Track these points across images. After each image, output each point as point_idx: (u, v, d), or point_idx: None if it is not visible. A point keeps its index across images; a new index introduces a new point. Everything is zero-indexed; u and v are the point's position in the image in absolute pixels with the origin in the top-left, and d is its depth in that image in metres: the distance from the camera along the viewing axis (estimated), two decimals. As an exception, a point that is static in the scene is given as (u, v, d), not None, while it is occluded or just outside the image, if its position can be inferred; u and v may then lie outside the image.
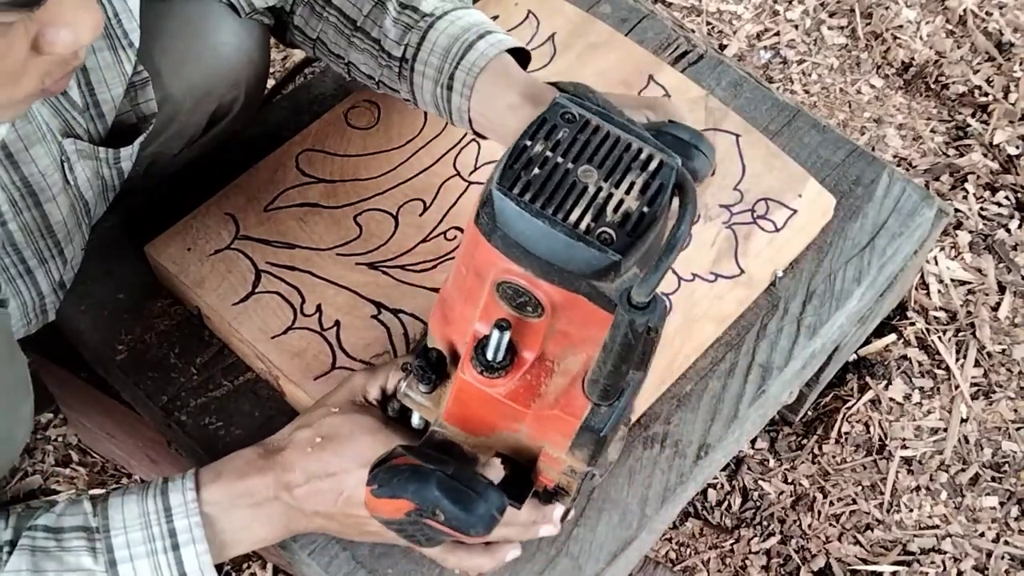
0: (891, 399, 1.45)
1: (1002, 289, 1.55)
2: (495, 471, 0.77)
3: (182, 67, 0.99)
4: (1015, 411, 1.45)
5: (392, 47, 0.95)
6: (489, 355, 0.67)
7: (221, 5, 1.00)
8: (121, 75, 0.89)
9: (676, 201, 0.63)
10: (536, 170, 0.62)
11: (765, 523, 1.37)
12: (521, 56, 0.96)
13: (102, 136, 0.92)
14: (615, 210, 0.61)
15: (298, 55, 1.66)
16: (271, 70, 1.16)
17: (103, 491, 0.84)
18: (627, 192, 0.62)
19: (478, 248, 0.64)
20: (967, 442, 1.42)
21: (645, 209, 0.61)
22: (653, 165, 0.63)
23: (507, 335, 0.66)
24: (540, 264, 0.62)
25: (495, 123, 0.92)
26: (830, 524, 1.37)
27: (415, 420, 0.83)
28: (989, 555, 1.34)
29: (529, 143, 0.63)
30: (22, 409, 0.86)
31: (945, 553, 1.34)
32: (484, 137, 0.97)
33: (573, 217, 0.61)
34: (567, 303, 0.64)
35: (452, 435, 0.75)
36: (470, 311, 0.69)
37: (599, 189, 0.62)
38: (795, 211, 1.10)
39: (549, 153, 0.62)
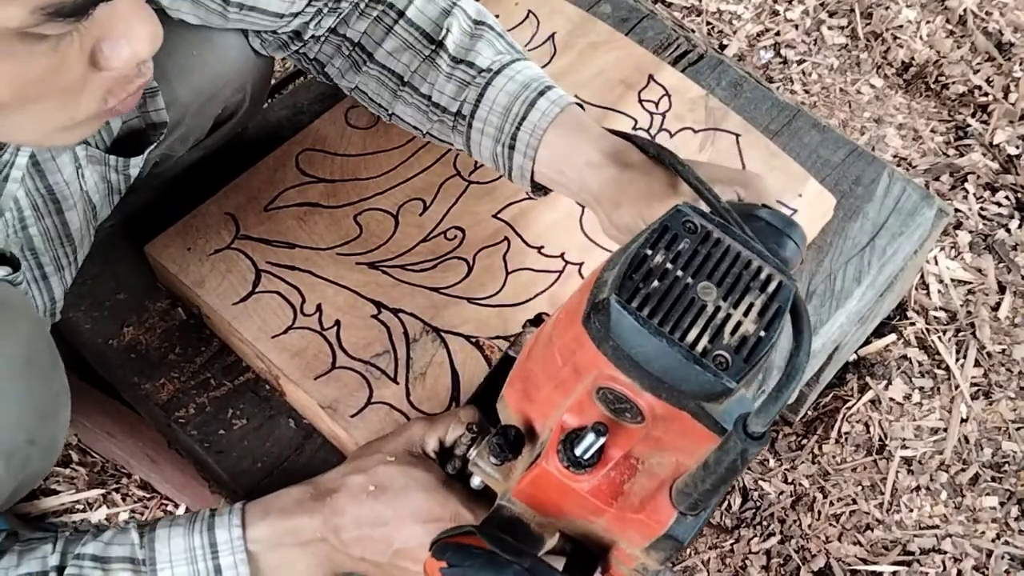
0: (891, 399, 1.45)
1: (1002, 289, 1.55)
2: (557, 564, 0.75)
3: (189, 71, 0.99)
4: (1015, 411, 1.45)
5: (448, 103, 0.94)
6: (578, 452, 0.66)
7: None
8: None
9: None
10: (656, 283, 0.60)
11: (765, 523, 1.37)
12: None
13: (107, 143, 0.92)
14: (732, 332, 0.60)
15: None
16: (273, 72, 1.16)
17: (150, 520, 0.84)
18: (745, 314, 0.60)
19: (583, 349, 0.62)
20: (967, 442, 1.42)
21: (762, 334, 0.60)
22: (772, 287, 0.61)
23: (602, 440, 0.64)
24: (650, 379, 0.60)
25: (571, 180, 0.90)
26: (830, 524, 1.36)
27: (475, 482, 0.81)
28: (989, 555, 1.34)
29: (650, 252, 0.61)
30: (63, 414, 0.87)
31: (945, 553, 1.34)
32: (541, 192, 0.95)
33: (690, 337, 0.59)
34: (669, 416, 0.62)
35: (520, 512, 0.74)
36: (559, 399, 0.68)
37: (717, 308, 0.60)
38: (795, 211, 1.10)
39: (669, 265, 0.61)
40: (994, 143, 1.69)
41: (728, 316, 0.60)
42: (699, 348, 0.59)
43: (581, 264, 1.07)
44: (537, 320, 0.87)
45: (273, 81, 1.46)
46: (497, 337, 1.01)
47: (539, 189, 0.95)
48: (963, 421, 1.44)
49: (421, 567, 0.76)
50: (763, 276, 0.62)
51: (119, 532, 0.82)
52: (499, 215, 1.10)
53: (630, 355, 0.60)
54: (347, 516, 0.81)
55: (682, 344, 0.59)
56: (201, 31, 0.98)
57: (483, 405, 0.86)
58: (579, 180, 0.90)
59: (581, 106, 0.93)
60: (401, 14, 0.95)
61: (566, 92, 0.93)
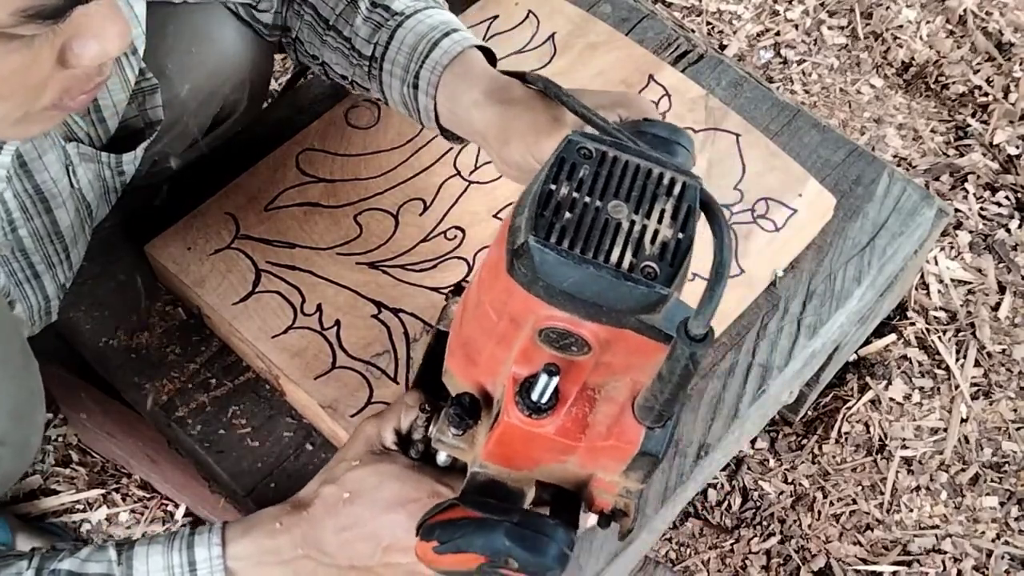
0: (891, 399, 1.45)
1: (1002, 289, 1.55)
2: (541, 511, 0.75)
3: (188, 69, 0.99)
4: (1015, 411, 1.45)
5: (363, 46, 0.95)
6: (535, 397, 0.66)
7: (224, 7, 1.00)
8: (123, 81, 0.89)
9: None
10: (567, 214, 0.61)
11: (765, 523, 1.37)
12: (488, 56, 0.95)
13: (103, 141, 0.92)
14: (652, 241, 0.61)
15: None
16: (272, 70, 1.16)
17: (126, 539, 0.83)
18: (659, 221, 0.61)
19: (514, 297, 0.63)
20: (967, 442, 1.42)
21: (680, 236, 0.61)
22: (677, 189, 0.62)
23: (556, 379, 0.65)
24: (587, 307, 0.61)
25: (461, 120, 0.91)
26: (830, 524, 1.37)
27: (441, 458, 0.82)
28: (989, 555, 1.34)
29: (553, 187, 0.62)
30: (36, 415, 0.86)
31: (945, 553, 1.34)
32: (454, 138, 0.95)
33: (614, 257, 0.60)
34: (614, 338, 0.63)
35: (495, 473, 0.74)
36: (502, 354, 0.68)
37: (632, 223, 0.61)
38: (795, 211, 1.10)
39: (576, 194, 0.61)
40: (994, 143, 1.69)
41: (644, 227, 0.61)
42: (625, 264, 0.60)
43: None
44: (459, 289, 0.87)
45: (273, 82, 1.46)
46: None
47: (451, 136, 0.95)
48: (963, 421, 1.44)
49: (412, 556, 0.76)
50: (666, 181, 0.63)
51: (96, 549, 0.81)
52: (499, 215, 1.10)
53: (562, 289, 0.60)
54: (326, 528, 0.81)
55: (608, 265, 0.60)
56: (200, 29, 0.98)
57: (426, 386, 0.85)
58: (467, 120, 0.90)
59: (487, 50, 0.94)
60: None
61: (472, 35, 0.93)
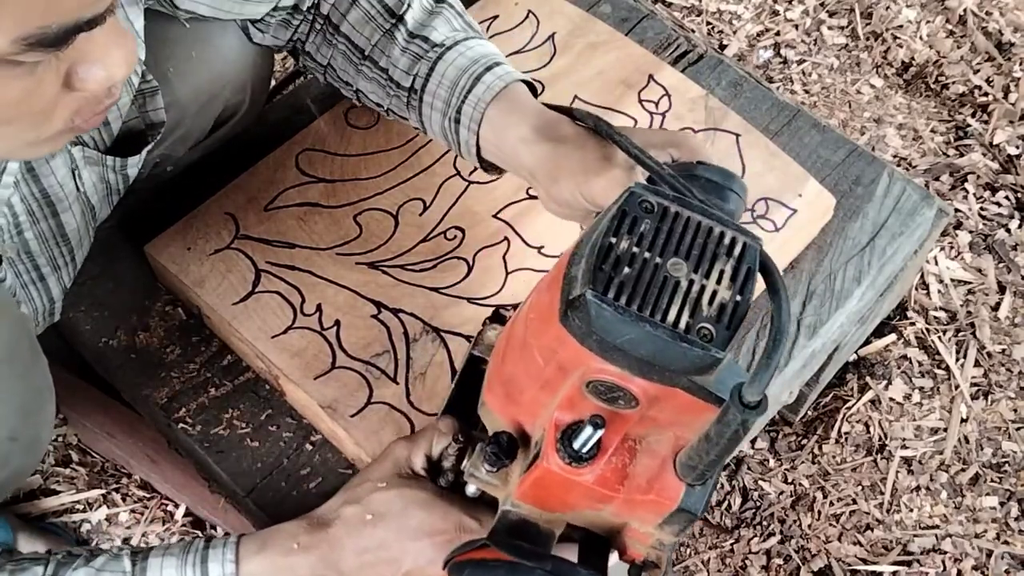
0: (891, 399, 1.45)
1: (1002, 289, 1.55)
2: (571, 552, 0.75)
3: (189, 72, 0.99)
4: (1015, 411, 1.45)
5: (401, 77, 0.94)
6: (577, 446, 0.66)
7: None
8: (127, 85, 0.89)
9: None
10: (626, 269, 0.60)
11: (765, 523, 1.37)
12: (530, 88, 0.94)
13: (107, 144, 0.92)
14: (710, 303, 0.60)
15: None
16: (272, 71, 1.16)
17: (143, 547, 0.83)
18: (718, 282, 0.60)
19: (565, 347, 0.62)
20: (967, 442, 1.42)
21: (738, 298, 0.60)
22: (738, 249, 0.62)
23: (600, 431, 0.65)
24: (639, 365, 0.60)
25: (508, 156, 0.90)
26: (830, 524, 1.36)
27: (470, 489, 0.81)
28: (989, 555, 1.34)
29: (614, 240, 0.61)
30: (46, 411, 0.86)
31: (945, 553, 1.34)
32: (492, 169, 0.95)
33: (671, 316, 0.59)
34: (663, 395, 0.63)
35: (527, 513, 0.73)
36: (546, 398, 0.67)
37: (691, 282, 0.60)
38: (795, 211, 1.10)
39: (636, 249, 0.61)
40: (994, 143, 1.69)
41: (703, 288, 0.60)
42: (682, 325, 0.59)
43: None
44: (497, 316, 0.86)
45: (273, 81, 1.46)
46: (497, 337, 1.01)
47: (491, 168, 0.94)
48: (963, 421, 1.44)
49: None
50: (727, 241, 0.62)
51: (111, 559, 0.81)
52: (499, 215, 1.10)
53: (616, 345, 0.60)
54: (346, 548, 0.80)
55: (665, 324, 0.59)
56: (201, 33, 0.98)
57: (458, 410, 0.85)
58: (515, 156, 0.89)
59: (530, 83, 0.93)
60: None
61: (514, 68, 0.92)
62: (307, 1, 0.97)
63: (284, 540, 0.82)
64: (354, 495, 0.83)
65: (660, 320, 0.59)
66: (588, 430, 0.65)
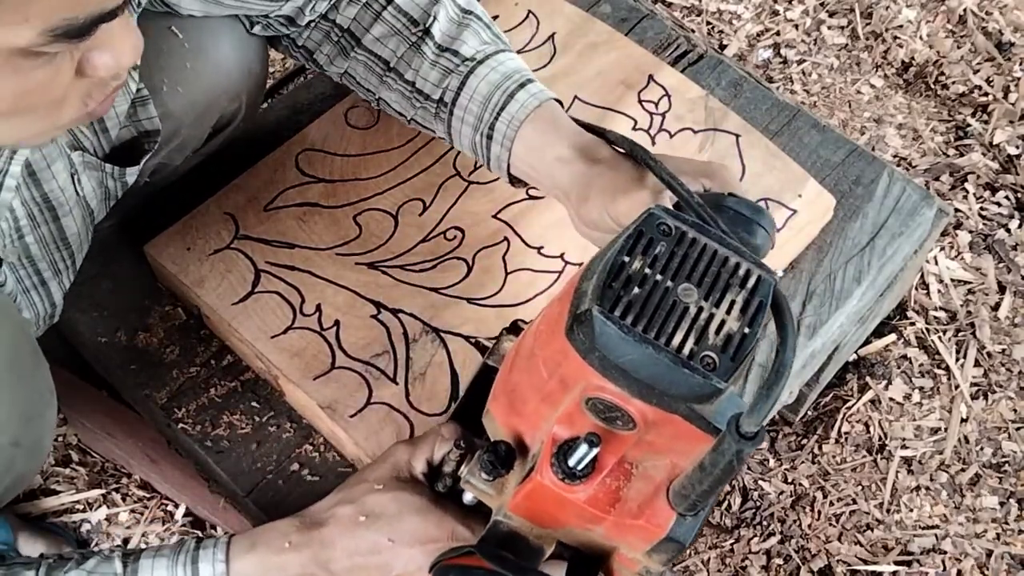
0: (891, 399, 1.45)
1: (1002, 289, 1.55)
2: (559, 569, 0.75)
3: (184, 84, 0.99)
4: (1015, 411, 1.45)
5: (431, 90, 0.94)
6: (572, 463, 0.65)
7: (220, 20, 1.00)
8: (125, 91, 0.90)
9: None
10: (636, 289, 0.60)
11: (765, 523, 1.36)
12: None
13: (106, 150, 0.92)
14: (717, 332, 0.59)
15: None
16: (271, 69, 1.16)
17: (135, 548, 0.83)
18: (727, 312, 0.60)
19: (568, 360, 0.62)
20: (967, 442, 1.42)
21: (746, 331, 0.60)
22: (751, 282, 0.61)
23: (596, 450, 0.64)
24: (640, 386, 0.60)
25: (542, 174, 0.91)
26: (830, 524, 1.36)
27: (467, 497, 0.81)
28: (989, 555, 1.34)
29: (627, 259, 0.60)
30: (48, 415, 0.86)
31: (945, 553, 1.34)
32: (519, 184, 0.95)
33: (676, 341, 0.59)
34: (661, 420, 0.62)
35: (518, 525, 0.73)
36: (547, 411, 0.67)
37: (700, 309, 0.60)
38: (795, 211, 1.10)
39: (648, 270, 0.60)
40: (994, 143, 1.69)
41: (711, 316, 0.60)
42: (685, 351, 0.59)
43: (581, 264, 1.07)
44: (514, 328, 0.86)
45: (272, 81, 1.46)
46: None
47: (518, 181, 0.95)
48: (963, 421, 1.44)
49: None
50: (742, 272, 0.61)
51: (102, 560, 0.81)
52: (499, 215, 1.10)
53: (617, 364, 0.59)
54: (337, 548, 0.80)
55: (668, 349, 0.58)
56: (194, 43, 0.97)
57: (465, 418, 0.84)
58: (549, 175, 0.90)
59: (560, 102, 0.93)
60: (390, 0, 0.95)
61: (545, 87, 0.93)
62: (305, 17, 0.97)
63: (275, 538, 0.82)
64: (349, 495, 0.83)
65: (664, 344, 0.59)
66: (583, 448, 0.64)
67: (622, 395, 0.61)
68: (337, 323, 1.01)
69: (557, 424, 0.66)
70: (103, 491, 1.30)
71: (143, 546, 1.04)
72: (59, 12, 0.58)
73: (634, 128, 1.15)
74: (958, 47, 1.80)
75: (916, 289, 1.53)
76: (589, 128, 0.91)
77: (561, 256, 1.07)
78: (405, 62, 0.95)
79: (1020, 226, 1.61)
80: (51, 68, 0.62)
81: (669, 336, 0.59)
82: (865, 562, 1.34)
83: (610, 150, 0.88)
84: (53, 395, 0.86)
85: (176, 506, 1.28)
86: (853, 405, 1.44)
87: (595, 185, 0.86)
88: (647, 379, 0.59)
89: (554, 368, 0.64)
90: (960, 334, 1.50)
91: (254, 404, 1.02)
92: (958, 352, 1.49)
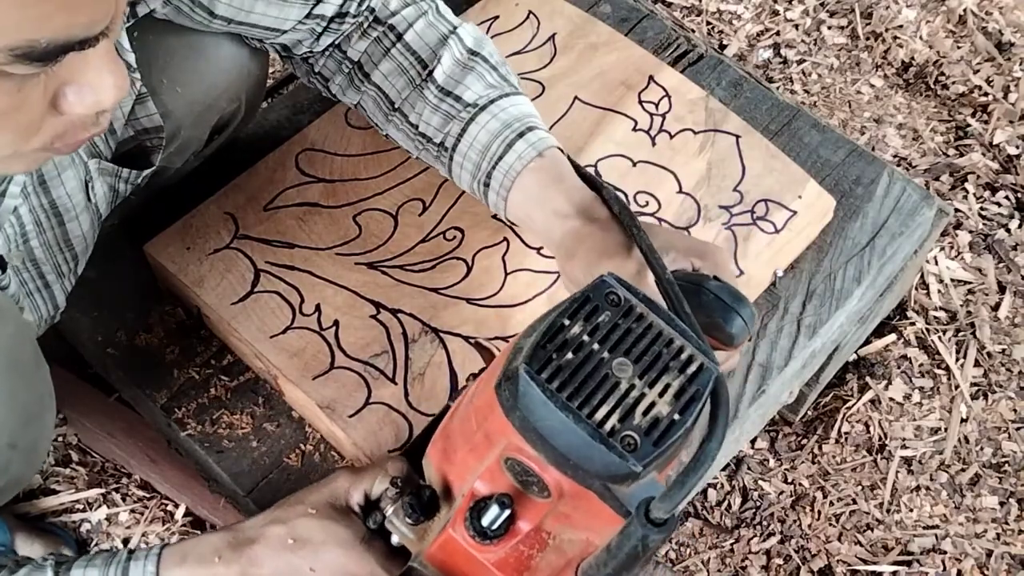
0: (891, 399, 1.45)
1: (1002, 289, 1.55)
2: None
3: (183, 84, 0.99)
4: (1015, 411, 1.45)
5: (433, 134, 0.95)
6: (484, 522, 0.63)
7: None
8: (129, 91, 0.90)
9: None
10: (569, 355, 0.58)
11: (765, 523, 1.37)
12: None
13: (112, 149, 0.92)
14: (644, 413, 0.57)
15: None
16: (270, 69, 1.16)
17: (68, 557, 0.82)
18: (660, 395, 0.58)
19: (493, 415, 0.60)
20: (967, 442, 1.42)
21: (676, 417, 0.57)
22: (692, 368, 0.59)
23: (507, 512, 0.62)
24: (556, 455, 0.58)
25: (538, 224, 0.91)
26: (830, 524, 1.36)
27: (395, 539, 0.79)
28: (989, 555, 1.34)
29: (567, 322, 0.59)
30: (46, 418, 0.86)
31: (945, 553, 1.34)
32: (518, 225, 0.95)
33: (599, 415, 0.57)
34: (575, 494, 0.60)
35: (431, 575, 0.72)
36: (472, 463, 0.65)
37: (631, 387, 0.58)
38: (795, 212, 1.10)
39: (586, 337, 0.58)
40: (994, 143, 1.69)
41: (642, 396, 0.58)
42: (607, 427, 0.57)
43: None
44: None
45: (272, 81, 1.46)
46: (496, 338, 1.01)
47: (515, 226, 0.96)
48: (963, 421, 1.44)
49: None
50: (684, 356, 0.59)
51: (35, 569, 0.81)
52: (498, 216, 1.10)
53: (536, 428, 0.57)
54: (264, 568, 0.80)
55: (589, 421, 0.57)
56: (194, 43, 0.97)
57: (419, 457, 0.83)
58: (545, 227, 0.90)
59: (561, 149, 0.93)
60: (400, 37, 0.96)
61: (548, 133, 0.92)
62: (303, 48, 0.97)
63: (207, 552, 0.81)
64: (283, 515, 0.83)
65: (587, 415, 0.57)
66: (495, 509, 0.63)
67: (539, 460, 0.59)
68: (336, 323, 1.01)
69: (479, 480, 0.64)
70: (103, 491, 1.30)
71: (151, 544, 1.03)
72: (21, 32, 0.54)
73: (634, 129, 1.15)
74: (958, 47, 1.80)
75: (916, 289, 1.53)
76: (587, 178, 0.91)
77: (561, 256, 1.07)
78: (409, 104, 0.96)
79: (1020, 226, 1.61)
80: (18, 94, 0.58)
81: (594, 409, 0.57)
82: (865, 562, 1.34)
83: (607, 211, 0.88)
84: (52, 398, 0.86)
85: (176, 506, 1.29)
86: (853, 405, 1.44)
87: (584, 244, 0.86)
88: (564, 448, 0.57)
89: (481, 420, 0.63)
90: (960, 334, 1.50)
91: (254, 404, 1.02)
92: (958, 352, 1.49)
